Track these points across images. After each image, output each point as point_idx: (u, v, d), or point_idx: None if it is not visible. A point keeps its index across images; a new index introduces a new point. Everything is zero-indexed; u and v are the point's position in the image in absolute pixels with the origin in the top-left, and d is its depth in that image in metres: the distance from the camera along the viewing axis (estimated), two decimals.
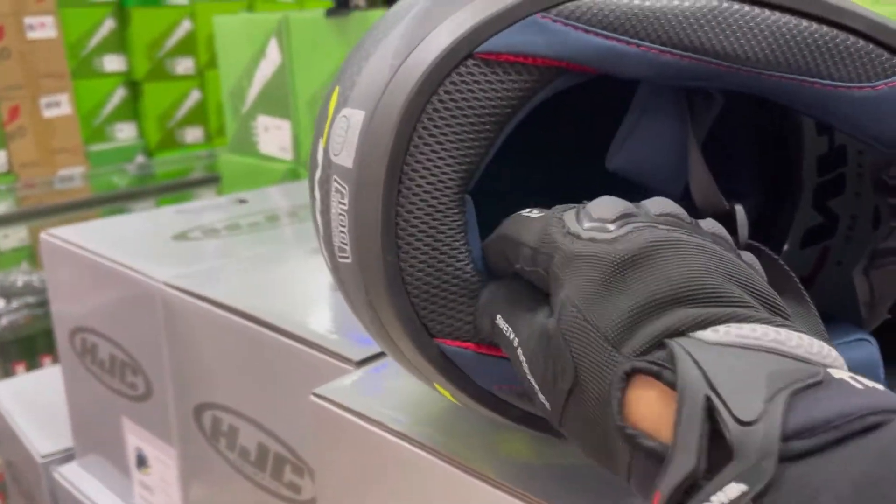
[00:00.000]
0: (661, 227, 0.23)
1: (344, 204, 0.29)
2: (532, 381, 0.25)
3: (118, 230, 0.71)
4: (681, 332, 0.20)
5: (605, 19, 0.26)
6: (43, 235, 0.70)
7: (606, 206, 0.24)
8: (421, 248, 0.28)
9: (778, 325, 0.21)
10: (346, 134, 0.29)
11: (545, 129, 0.37)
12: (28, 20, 2.00)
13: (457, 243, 0.28)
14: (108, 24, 2.21)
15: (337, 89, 0.32)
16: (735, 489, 0.17)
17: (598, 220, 0.24)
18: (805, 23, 0.27)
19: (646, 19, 0.26)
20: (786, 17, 0.27)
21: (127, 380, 0.64)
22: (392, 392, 0.40)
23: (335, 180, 0.30)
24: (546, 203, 0.42)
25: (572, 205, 0.26)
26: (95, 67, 2.20)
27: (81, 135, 2.11)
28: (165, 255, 0.63)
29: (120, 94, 2.26)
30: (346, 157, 0.29)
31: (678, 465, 0.18)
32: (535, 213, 0.27)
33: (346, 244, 0.30)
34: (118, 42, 2.23)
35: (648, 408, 0.20)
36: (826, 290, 0.38)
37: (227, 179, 1.34)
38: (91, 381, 0.70)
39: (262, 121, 1.22)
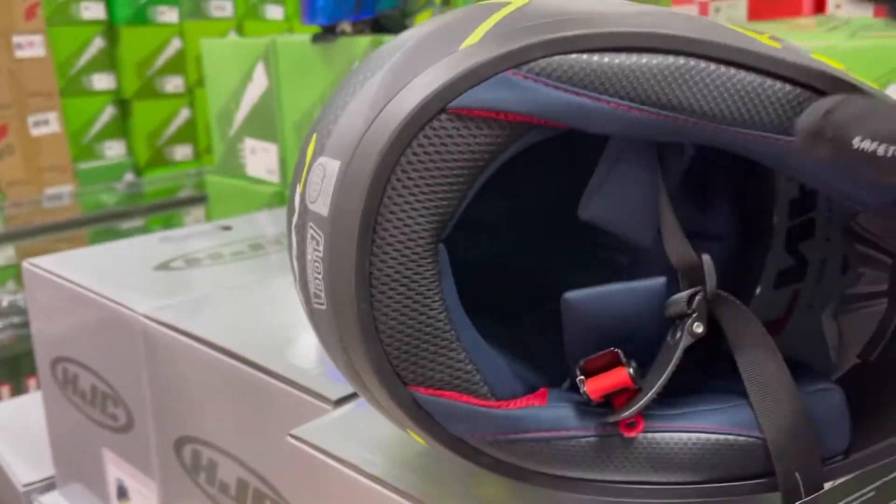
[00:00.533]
0: None
1: (319, 251, 0.30)
2: None
3: (101, 259, 0.71)
4: None
5: (575, 76, 0.26)
6: (25, 264, 0.70)
7: None
8: (394, 297, 0.28)
9: None
10: (322, 182, 0.30)
11: (517, 177, 0.38)
12: (17, 39, 2.00)
13: (430, 292, 0.28)
14: (98, 43, 2.21)
15: (314, 136, 0.33)
16: None
17: None
18: (769, 81, 0.27)
19: (615, 76, 0.26)
20: (751, 76, 0.27)
21: (108, 411, 0.64)
22: (369, 433, 0.40)
23: (311, 227, 0.30)
24: (519, 249, 0.42)
25: None
26: (84, 86, 2.21)
27: (70, 153, 2.11)
28: (147, 286, 0.63)
29: (109, 112, 2.26)
30: (321, 206, 0.29)
31: None
32: None
33: (321, 291, 0.30)
34: (107, 60, 2.24)
35: None
36: (797, 334, 0.38)
37: (214, 201, 1.34)
38: (72, 412, 0.69)
39: (250, 143, 1.23)
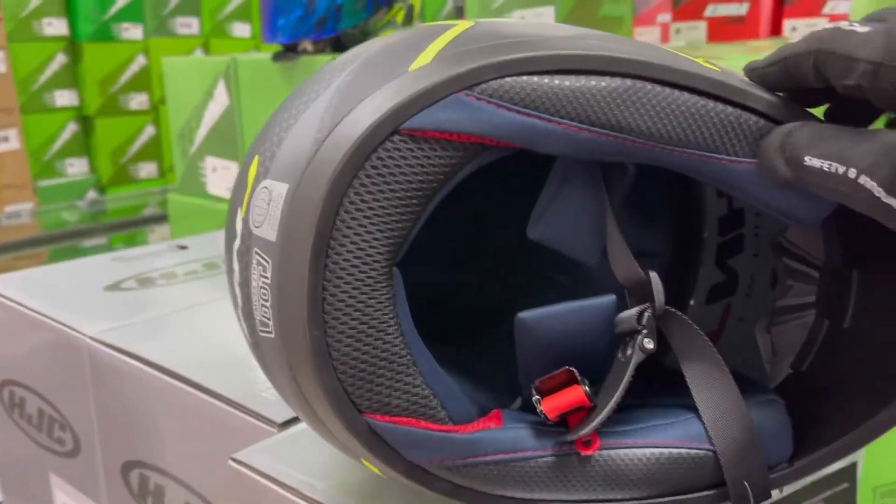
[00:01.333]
0: None
1: (266, 277, 0.29)
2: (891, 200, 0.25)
3: (50, 280, 0.70)
4: None
5: (527, 98, 0.27)
6: None
7: None
8: (348, 323, 0.27)
9: None
10: (268, 206, 0.29)
11: (468, 197, 0.38)
12: None
13: (385, 317, 0.27)
14: (60, 59, 2.19)
15: (256, 158, 0.32)
16: None
17: None
18: (711, 103, 0.28)
19: (565, 98, 0.27)
20: (694, 98, 0.28)
21: (55, 435, 0.63)
22: (311, 457, 0.40)
23: (256, 253, 0.29)
24: (458, 274, 0.42)
25: None
26: (46, 102, 2.18)
27: (30, 170, 2.08)
28: (96, 308, 0.62)
29: (71, 129, 2.23)
30: (268, 230, 0.29)
31: None
32: (858, 27, 0.27)
33: (268, 318, 0.29)
34: (70, 77, 2.21)
35: None
36: (732, 346, 0.39)
37: (175, 219, 1.33)
38: (19, 436, 0.68)
39: (211, 161, 1.22)
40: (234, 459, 0.40)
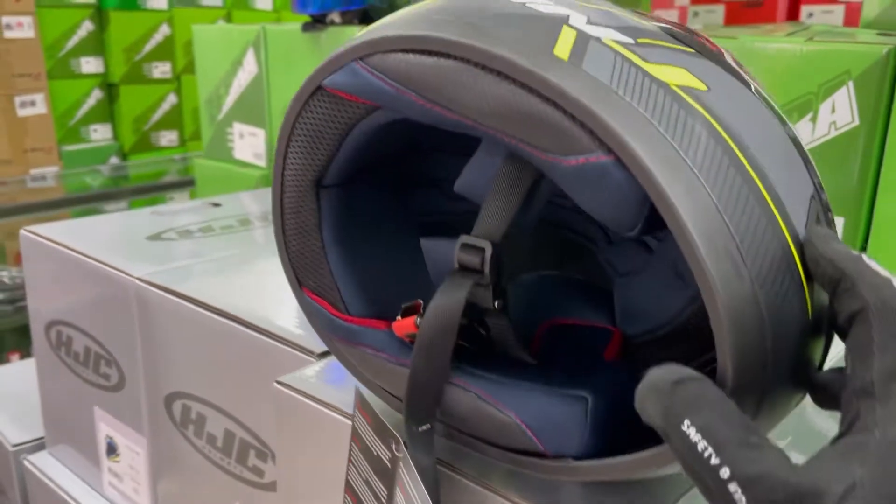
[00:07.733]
0: None
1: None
2: None
3: (95, 229, 0.74)
4: None
5: (393, 72, 0.31)
6: (23, 231, 0.73)
7: None
8: (292, 219, 0.38)
9: None
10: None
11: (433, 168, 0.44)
12: (6, 19, 2.01)
13: (311, 220, 0.38)
14: (87, 26, 2.23)
15: None
16: None
17: None
18: (529, 97, 0.27)
19: (416, 76, 0.30)
20: (517, 90, 0.27)
21: (101, 371, 0.68)
22: (349, 382, 0.44)
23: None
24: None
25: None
26: (72, 68, 2.22)
27: (56, 135, 2.13)
28: (140, 254, 0.66)
29: (96, 95, 2.28)
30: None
31: None
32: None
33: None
34: (96, 44, 2.25)
35: None
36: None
37: (202, 183, 1.37)
38: (65, 373, 0.73)
39: (238, 128, 1.26)
40: (278, 382, 0.44)
